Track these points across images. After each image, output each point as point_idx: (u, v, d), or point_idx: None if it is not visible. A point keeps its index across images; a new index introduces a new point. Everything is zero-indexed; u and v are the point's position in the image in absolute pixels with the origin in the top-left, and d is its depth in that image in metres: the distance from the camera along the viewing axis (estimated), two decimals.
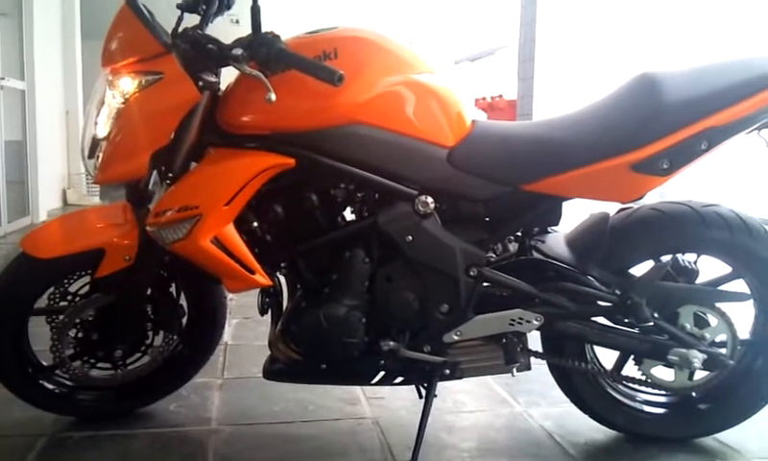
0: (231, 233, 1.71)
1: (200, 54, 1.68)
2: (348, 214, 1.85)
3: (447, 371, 1.84)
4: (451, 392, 2.36)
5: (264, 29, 1.62)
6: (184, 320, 2.10)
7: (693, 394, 1.99)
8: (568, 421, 2.14)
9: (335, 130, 1.68)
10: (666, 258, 1.87)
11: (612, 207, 1.88)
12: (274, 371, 1.89)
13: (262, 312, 1.93)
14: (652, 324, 1.83)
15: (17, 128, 6.41)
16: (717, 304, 1.88)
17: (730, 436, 2.03)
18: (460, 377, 1.87)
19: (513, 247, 1.95)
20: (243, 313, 3.28)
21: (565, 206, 1.85)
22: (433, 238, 1.76)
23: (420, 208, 1.74)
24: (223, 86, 1.80)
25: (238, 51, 1.61)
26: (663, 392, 2.01)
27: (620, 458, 1.97)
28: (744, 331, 1.94)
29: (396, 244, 1.75)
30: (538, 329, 1.85)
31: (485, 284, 1.82)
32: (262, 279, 1.76)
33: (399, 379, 1.87)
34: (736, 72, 1.72)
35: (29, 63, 6.51)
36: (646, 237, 1.86)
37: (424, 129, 1.73)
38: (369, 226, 1.77)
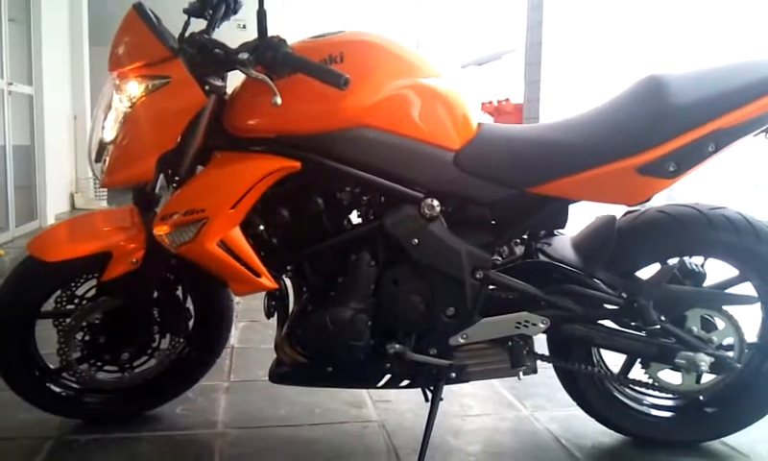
0: (238, 236, 1.72)
1: (206, 58, 1.69)
2: (354, 217, 1.85)
3: (453, 374, 1.84)
4: (457, 395, 2.36)
5: (270, 33, 1.63)
6: (191, 323, 2.10)
7: (700, 397, 1.99)
8: (575, 424, 2.14)
9: (341, 133, 1.69)
10: (673, 261, 1.87)
11: (618, 210, 1.87)
12: (280, 374, 1.89)
13: (268, 315, 1.93)
14: (659, 327, 1.82)
15: (25, 132, 6.44)
16: (724, 308, 1.87)
17: (737, 440, 2.02)
18: (466, 381, 1.87)
19: (519, 250, 1.95)
20: (250, 316, 3.28)
21: (572, 208, 1.85)
22: (439, 241, 1.76)
23: (427, 211, 1.74)
24: (229, 91, 1.80)
25: (244, 55, 1.62)
26: (670, 395, 2.00)
27: None
28: (751, 334, 1.93)
29: (403, 247, 1.75)
30: (544, 332, 1.84)
31: (491, 287, 1.82)
32: (268, 282, 1.76)
33: (405, 382, 1.87)
34: (743, 74, 1.71)
35: (37, 69, 6.55)
36: (653, 240, 1.85)
37: (430, 132, 1.73)
38: (375, 229, 1.77)
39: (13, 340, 1.97)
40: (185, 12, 1.80)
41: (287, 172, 1.69)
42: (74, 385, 2.08)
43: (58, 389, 2.07)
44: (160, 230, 1.73)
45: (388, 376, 1.85)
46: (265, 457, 1.95)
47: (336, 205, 1.79)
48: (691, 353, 1.82)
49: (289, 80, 1.62)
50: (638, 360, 1.94)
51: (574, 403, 2.04)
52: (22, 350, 1.99)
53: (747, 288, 1.91)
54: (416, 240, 1.75)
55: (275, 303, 1.92)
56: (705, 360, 1.82)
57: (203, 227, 1.68)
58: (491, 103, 7.41)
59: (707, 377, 1.91)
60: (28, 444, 1.98)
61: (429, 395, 1.87)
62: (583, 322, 1.85)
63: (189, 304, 2.10)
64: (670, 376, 1.92)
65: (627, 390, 2.03)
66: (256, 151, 1.71)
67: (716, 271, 1.91)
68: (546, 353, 1.94)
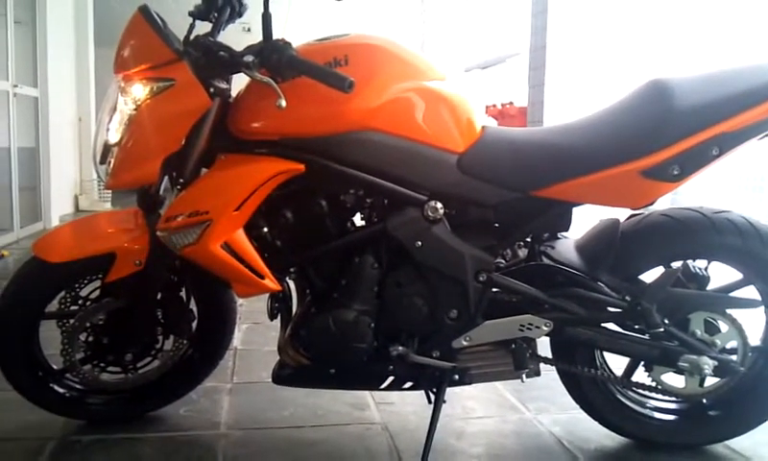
0: (241, 238, 1.72)
1: (211, 61, 1.70)
2: (358, 220, 1.85)
3: (456, 376, 1.85)
4: (460, 398, 2.36)
5: (275, 36, 1.63)
6: (194, 324, 2.10)
7: (704, 400, 1.98)
8: (578, 427, 2.14)
9: (345, 135, 1.69)
10: (677, 265, 1.87)
11: (622, 213, 1.87)
12: (283, 375, 1.89)
13: (271, 317, 1.93)
14: (662, 330, 1.82)
15: (30, 135, 6.46)
16: (728, 311, 1.87)
17: (741, 443, 2.02)
18: (469, 383, 1.87)
19: (522, 252, 1.95)
20: (253, 318, 3.28)
21: (576, 211, 1.85)
22: (442, 244, 1.76)
23: (430, 214, 1.74)
24: (234, 93, 1.81)
25: (249, 58, 1.62)
26: (674, 398, 2.00)
27: None
28: (755, 338, 1.93)
29: (406, 249, 1.76)
30: (547, 335, 1.84)
31: (494, 290, 1.82)
32: (272, 283, 1.76)
33: (408, 385, 1.87)
34: (748, 78, 1.71)
35: (42, 71, 6.57)
36: (657, 243, 1.85)
37: (434, 135, 1.73)
38: (378, 231, 1.77)
39: (17, 341, 1.98)
40: (190, 14, 1.82)
41: (291, 174, 1.70)
42: (77, 386, 2.09)
43: (61, 390, 2.07)
44: (164, 232, 1.73)
45: (391, 379, 1.85)
46: (268, 458, 1.95)
47: (340, 207, 1.79)
48: (695, 357, 1.82)
49: (293, 83, 1.62)
50: (642, 363, 1.94)
51: (577, 406, 2.04)
52: (26, 350, 2.00)
53: (751, 292, 1.90)
54: (419, 243, 1.75)
55: (278, 304, 1.92)
56: (708, 363, 1.81)
57: (206, 229, 1.68)
58: (494, 106, 7.40)
59: (710, 381, 1.91)
60: (31, 444, 1.99)
61: (432, 397, 1.87)
62: (586, 325, 1.85)
63: (193, 306, 2.10)
64: (673, 380, 1.91)
65: (630, 393, 2.03)
66: (261, 153, 1.71)
67: (720, 274, 1.91)
68: (549, 356, 1.94)
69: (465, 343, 1.82)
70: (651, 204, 1.78)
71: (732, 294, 1.90)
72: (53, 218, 6.72)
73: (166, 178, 1.81)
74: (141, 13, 1.71)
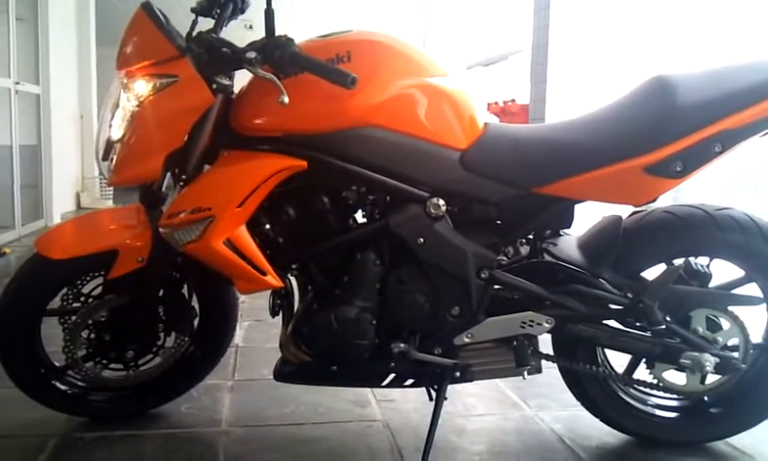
0: (244, 235, 1.72)
1: (214, 57, 1.70)
2: (360, 216, 1.86)
3: (458, 373, 1.84)
4: (462, 395, 2.36)
5: (278, 32, 1.63)
6: (196, 321, 2.11)
7: (705, 398, 1.98)
8: (579, 424, 2.14)
9: (347, 132, 1.69)
10: (679, 262, 1.86)
11: (624, 210, 1.87)
12: (284, 372, 1.89)
13: (273, 314, 1.93)
14: (664, 327, 1.82)
15: (32, 132, 6.46)
16: (730, 308, 1.87)
17: (741, 440, 2.02)
18: (470, 380, 1.87)
19: (524, 250, 1.95)
20: (254, 316, 3.29)
21: (578, 208, 1.85)
22: (444, 240, 1.76)
23: (432, 211, 1.74)
24: (236, 90, 1.81)
25: (252, 54, 1.62)
26: (675, 396, 2.00)
27: None
28: (757, 335, 1.93)
29: (408, 246, 1.76)
30: (549, 332, 1.84)
31: (496, 287, 1.82)
32: (274, 280, 1.76)
33: (410, 382, 1.88)
34: (751, 75, 1.71)
35: (44, 68, 6.58)
36: (659, 240, 1.85)
37: (437, 131, 1.73)
38: (380, 228, 1.77)
39: (19, 338, 1.98)
40: (193, 10, 1.81)
41: (294, 171, 1.70)
42: (79, 383, 2.09)
43: (63, 387, 2.08)
44: (167, 229, 1.73)
45: (392, 376, 1.86)
46: (269, 456, 1.95)
47: (342, 204, 1.79)
48: (696, 354, 1.82)
49: (296, 79, 1.62)
50: (643, 360, 1.94)
51: (579, 403, 2.04)
52: (28, 347, 2.00)
53: (753, 289, 1.90)
54: (421, 239, 1.75)
55: (280, 301, 1.92)
56: (710, 361, 1.81)
57: (209, 225, 1.68)
58: (496, 103, 7.40)
59: (711, 378, 1.91)
60: (33, 441, 1.99)
61: (433, 394, 1.87)
62: (588, 322, 1.85)
63: (194, 303, 2.10)
64: (675, 377, 1.91)
65: (632, 390, 2.03)
66: (263, 150, 1.71)
67: (722, 271, 1.91)
68: (551, 353, 1.94)
69: (466, 340, 1.82)
70: (653, 200, 1.77)
71: (733, 291, 1.90)
72: (54, 216, 6.73)
73: (169, 174, 1.81)
74: (144, 10, 1.71)
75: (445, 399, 1.86)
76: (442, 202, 1.75)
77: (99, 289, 2.00)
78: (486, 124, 1.82)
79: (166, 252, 1.85)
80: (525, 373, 1.87)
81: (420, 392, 1.92)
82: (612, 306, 1.84)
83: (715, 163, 1.72)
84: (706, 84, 1.72)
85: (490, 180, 1.77)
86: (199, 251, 1.72)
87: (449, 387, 1.86)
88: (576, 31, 5.50)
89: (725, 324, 1.87)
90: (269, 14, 1.62)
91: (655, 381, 1.92)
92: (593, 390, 1.98)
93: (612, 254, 1.83)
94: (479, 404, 2.33)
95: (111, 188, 7.90)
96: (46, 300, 1.98)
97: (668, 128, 1.68)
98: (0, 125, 5.79)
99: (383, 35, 1.77)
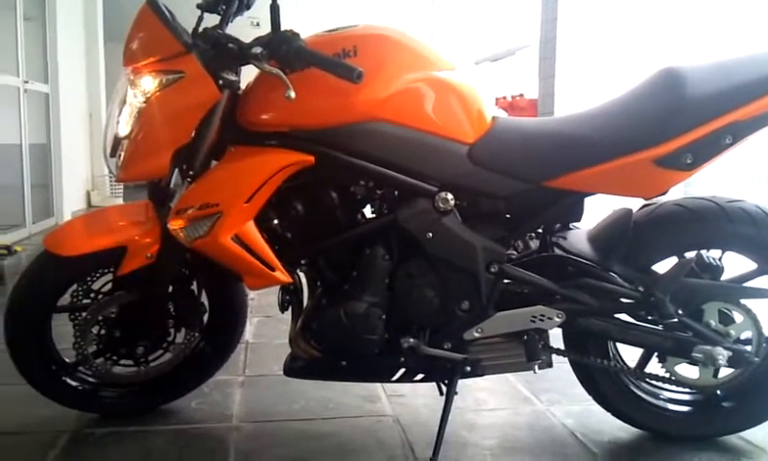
0: (252, 231, 1.72)
1: (220, 53, 1.69)
2: (369, 211, 1.85)
3: (468, 368, 1.84)
4: (472, 390, 2.35)
5: (283, 27, 1.63)
6: (206, 317, 2.11)
7: (718, 392, 1.97)
8: (591, 419, 2.13)
9: (354, 127, 1.68)
10: (690, 255, 1.85)
11: (634, 203, 1.86)
12: (294, 368, 1.89)
13: (282, 309, 1.94)
14: (676, 321, 1.81)
15: (42, 132, 6.49)
16: (742, 301, 1.85)
17: (755, 435, 2.00)
18: (481, 375, 1.86)
19: (534, 244, 1.94)
20: (264, 312, 3.29)
21: (588, 202, 1.84)
22: (453, 235, 1.75)
23: (441, 205, 1.74)
24: (243, 86, 1.80)
25: (258, 49, 1.62)
26: (688, 390, 1.99)
27: (644, 457, 1.95)
28: None
29: (417, 241, 1.75)
30: (559, 326, 1.83)
31: (506, 281, 1.81)
32: (282, 276, 1.76)
33: (420, 377, 1.87)
34: (761, 66, 1.69)
35: (52, 67, 6.59)
36: (670, 233, 1.84)
37: (444, 125, 1.72)
38: (388, 222, 1.77)
39: (30, 334, 1.99)
40: (199, 7, 1.81)
41: (301, 166, 1.69)
42: (90, 379, 2.10)
43: (74, 383, 2.08)
44: (175, 225, 1.73)
45: (402, 371, 1.85)
46: (279, 451, 1.95)
47: (350, 198, 1.79)
48: (709, 347, 1.80)
49: (302, 74, 1.62)
50: (655, 354, 1.92)
51: (590, 398, 2.02)
52: (39, 344, 2.01)
53: (765, 282, 1.88)
54: (430, 234, 1.74)
55: (289, 297, 1.92)
56: (722, 354, 1.80)
57: (217, 221, 1.68)
58: (504, 98, 7.39)
59: (724, 372, 1.89)
60: (44, 438, 1.99)
61: (444, 389, 1.87)
62: (599, 316, 1.84)
63: (204, 299, 2.11)
64: (687, 371, 1.90)
65: (644, 384, 2.01)
66: (270, 145, 1.71)
67: (734, 264, 1.89)
68: (562, 347, 1.92)
69: (476, 335, 1.81)
70: (663, 193, 1.76)
71: (746, 284, 1.88)
72: (65, 214, 6.75)
73: (177, 170, 1.81)
74: (149, 6, 1.71)
75: (456, 393, 1.85)
76: (450, 196, 1.74)
77: (109, 286, 2.01)
78: (494, 118, 1.82)
79: (175, 248, 1.85)
80: (536, 367, 1.86)
81: (431, 387, 1.91)
82: (624, 300, 1.83)
83: (726, 155, 1.70)
84: (716, 76, 1.70)
85: (498, 174, 1.76)
86: (207, 246, 1.72)
87: (460, 382, 1.86)
88: (584, 25, 5.47)
89: (737, 317, 1.85)
90: (274, 9, 1.62)
91: (667, 375, 1.91)
92: (605, 384, 1.97)
93: (623, 247, 1.81)
94: (490, 399, 2.32)
95: (121, 186, 7.93)
96: (56, 297, 1.99)
97: (678, 120, 1.66)
98: (10, 124, 5.81)
99: (390, 29, 1.76)
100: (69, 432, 2.03)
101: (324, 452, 1.94)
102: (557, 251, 1.86)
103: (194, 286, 2.08)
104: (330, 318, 1.78)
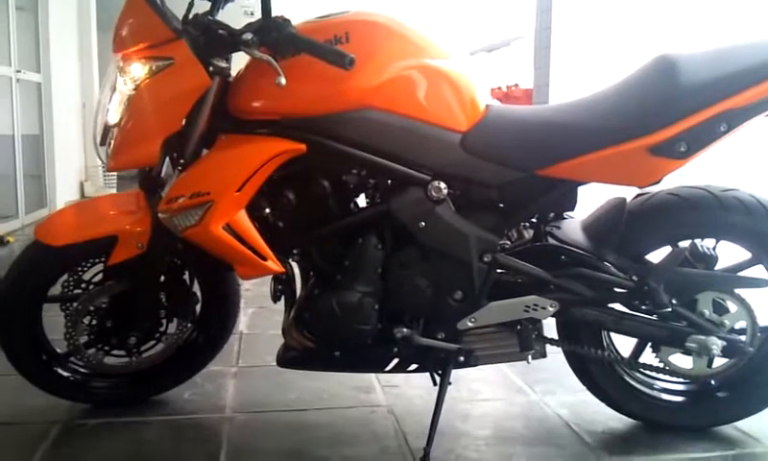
0: (243, 220, 1.71)
1: (210, 39, 1.67)
2: (361, 200, 1.83)
3: (462, 358, 1.83)
4: (466, 380, 2.34)
5: (274, 13, 1.61)
6: (198, 307, 2.09)
7: (712, 382, 1.97)
8: (585, 409, 2.12)
9: (346, 114, 1.67)
10: (684, 244, 1.84)
11: (629, 192, 1.85)
12: (287, 358, 1.88)
13: (275, 299, 1.92)
14: (670, 310, 1.80)
15: (34, 123, 6.45)
16: (736, 291, 1.85)
17: (750, 424, 2.00)
18: (474, 365, 1.85)
19: (528, 233, 1.93)
20: (259, 303, 3.28)
21: (581, 191, 1.83)
22: (446, 224, 1.74)
23: (433, 194, 1.72)
24: (234, 73, 1.78)
25: (248, 35, 1.60)
26: (682, 380, 1.99)
27: (638, 447, 1.94)
28: (764, 318, 1.90)
29: (409, 230, 1.74)
30: (553, 316, 1.83)
31: (499, 271, 1.80)
32: (274, 265, 1.75)
33: (413, 367, 1.86)
34: (756, 53, 1.68)
35: (45, 56, 6.55)
36: (664, 222, 1.83)
37: (437, 113, 1.71)
38: (381, 212, 1.76)
39: (21, 324, 1.97)
40: None
41: (292, 154, 1.68)
42: (82, 370, 2.08)
43: (66, 373, 2.07)
44: (166, 214, 1.72)
45: (395, 361, 1.84)
46: (272, 442, 1.94)
47: (342, 187, 1.77)
48: (703, 337, 1.80)
49: (293, 61, 1.60)
50: (649, 344, 1.92)
51: (584, 388, 2.02)
52: (30, 334, 2.00)
53: (760, 271, 1.88)
54: (422, 223, 1.73)
55: (281, 287, 1.91)
56: (716, 344, 1.79)
57: (208, 210, 1.66)
58: (500, 89, 7.38)
59: (718, 362, 1.89)
60: (36, 428, 1.98)
61: (437, 379, 1.86)
62: (593, 305, 1.83)
63: (196, 289, 2.09)
64: (681, 361, 1.90)
65: (638, 374, 2.01)
66: (261, 133, 1.69)
67: (728, 254, 1.88)
68: (556, 338, 1.92)
69: (470, 324, 1.80)
70: (658, 181, 1.75)
71: (740, 273, 1.87)
72: (58, 205, 6.72)
73: (168, 159, 1.79)
74: None
75: (450, 383, 1.84)
76: (443, 185, 1.72)
77: (100, 275, 1.99)
78: (487, 106, 1.80)
79: (166, 237, 1.84)
80: (529, 357, 1.85)
81: (425, 377, 1.90)
82: (617, 289, 1.82)
83: (721, 143, 1.69)
84: (711, 63, 1.69)
85: (491, 162, 1.74)
86: (198, 236, 1.70)
87: (454, 372, 1.85)
88: (579, 14, 5.46)
89: (732, 306, 1.85)
90: None
91: (661, 365, 1.90)
92: (599, 374, 1.96)
93: (617, 236, 1.81)
94: (484, 390, 2.32)
95: (115, 176, 7.90)
96: (47, 286, 1.97)
97: (672, 107, 1.65)
98: (2, 115, 5.78)
99: (382, 15, 1.74)
100: (61, 423, 2.02)
101: (318, 443, 1.94)
102: (550, 240, 1.85)
103: (186, 276, 2.07)
104: (323, 308, 1.77)
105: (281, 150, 1.66)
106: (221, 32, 1.66)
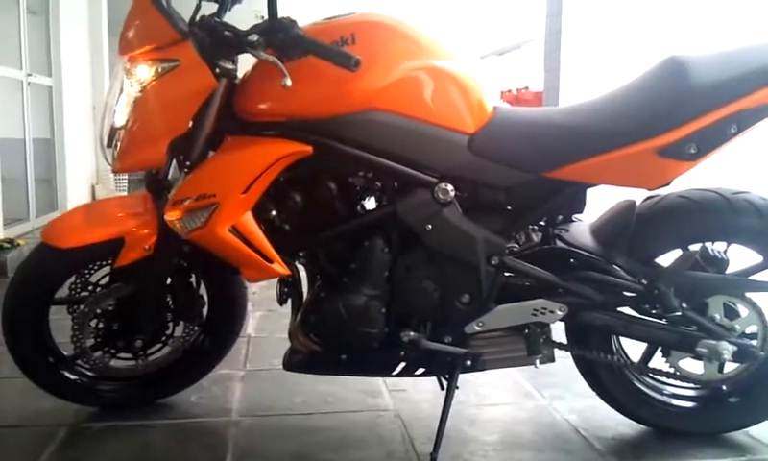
0: (249, 222, 1.70)
1: (217, 41, 1.67)
2: (368, 202, 1.83)
3: (469, 362, 1.81)
4: (474, 385, 2.32)
5: (281, 15, 1.60)
6: (205, 310, 2.09)
7: (723, 387, 1.94)
8: (594, 415, 2.10)
9: (352, 116, 1.66)
10: (695, 247, 1.82)
11: (638, 195, 1.83)
12: (294, 362, 1.87)
13: (281, 302, 1.91)
14: (680, 314, 1.78)
15: (45, 126, 6.48)
16: (747, 295, 1.83)
17: (761, 431, 1.97)
18: (482, 369, 1.84)
19: (536, 236, 1.91)
20: (267, 306, 3.27)
21: (590, 193, 1.81)
22: (453, 227, 1.73)
23: (440, 196, 1.71)
24: (240, 75, 1.78)
25: (254, 37, 1.60)
26: (692, 385, 1.96)
27: (648, 453, 1.92)
28: None
29: (416, 233, 1.73)
30: (561, 320, 1.81)
31: (507, 274, 1.79)
32: (280, 268, 1.74)
33: (420, 371, 1.85)
34: (766, 55, 1.66)
35: (56, 60, 6.58)
36: (674, 225, 1.81)
37: (444, 115, 1.70)
38: (388, 214, 1.74)
39: (28, 327, 1.98)
40: None
41: (299, 156, 1.67)
42: (88, 372, 2.08)
43: (72, 376, 2.07)
44: (172, 216, 1.71)
45: (402, 365, 1.83)
46: (278, 445, 1.93)
47: (349, 190, 1.77)
48: (713, 342, 1.77)
49: (300, 63, 1.60)
50: (659, 349, 1.90)
51: (593, 393, 2.00)
52: (36, 337, 2.00)
53: None
54: (429, 226, 1.72)
55: (288, 289, 1.90)
56: (727, 349, 1.77)
57: (214, 212, 1.66)
58: (509, 92, 7.37)
59: (729, 366, 1.87)
60: (43, 431, 1.98)
61: (445, 384, 1.84)
62: (602, 309, 1.81)
63: (203, 292, 2.09)
64: (692, 365, 1.87)
65: (647, 379, 1.98)
66: (267, 135, 1.69)
67: (739, 257, 1.86)
68: (564, 342, 1.90)
69: (477, 328, 1.78)
70: (667, 184, 1.73)
71: (751, 277, 1.85)
72: (69, 208, 6.75)
73: (174, 161, 1.78)
74: None
75: (457, 388, 1.83)
76: (450, 187, 1.71)
77: (107, 278, 1.99)
78: (495, 108, 1.79)
79: (172, 240, 1.83)
80: (537, 361, 1.83)
81: (432, 381, 1.89)
82: (627, 293, 1.80)
83: (731, 145, 1.67)
84: (720, 65, 1.67)
85: (499, 164, 1.73)
86: (204, 238, 1.70)
87: (461, 376, 1.83)
88: (589, 17, 5.44)
89: (743, 311, 1.83)
90: None
91: (671, 370, 1.88)
92: (608, 379, 1.94)
93: (626, 239, 1.79)
94: (492, 394, 2.30)
95: (126, 180, 7.92)
96: (53, 289, 1.98)
97: (682, 109, 1.63)
98: (13, 118, 5.81)
99: (388, 17, 1.74)
100: (67, 426, 2.02)
101: (324, 447, 1.93)
102: (559, 243, 1.83)
103: (193, 279, 2.06)
104: (329, 311, 1.76)
105: (287, 152, 1.66)
106: (227, 33, 1.65)
